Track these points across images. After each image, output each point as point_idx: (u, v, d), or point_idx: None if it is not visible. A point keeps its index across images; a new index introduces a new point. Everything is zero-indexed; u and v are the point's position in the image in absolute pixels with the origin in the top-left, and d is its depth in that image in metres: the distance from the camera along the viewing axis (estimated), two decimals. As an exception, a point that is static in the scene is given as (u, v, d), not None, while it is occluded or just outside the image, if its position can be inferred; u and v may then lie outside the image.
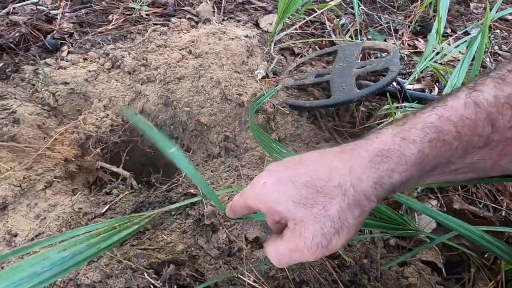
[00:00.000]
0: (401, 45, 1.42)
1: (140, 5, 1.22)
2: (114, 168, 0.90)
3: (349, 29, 1.44)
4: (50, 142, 0.86)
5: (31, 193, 0.75)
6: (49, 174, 0.81)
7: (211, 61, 1.02)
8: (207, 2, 1.38)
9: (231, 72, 0.99)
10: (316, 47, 1.34)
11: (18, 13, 1.17)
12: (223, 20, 1.34)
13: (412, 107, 0.92)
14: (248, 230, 0.72)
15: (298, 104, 0.92)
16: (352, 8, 1.57)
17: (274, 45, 1.23)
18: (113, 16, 1.23)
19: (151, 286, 0.57)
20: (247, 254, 0.68)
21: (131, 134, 0.99)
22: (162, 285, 0.57)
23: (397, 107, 0.90)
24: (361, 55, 0.96)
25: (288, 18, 1.31)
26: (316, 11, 1.43)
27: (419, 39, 1.46)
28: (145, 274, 0.58)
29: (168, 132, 0.99)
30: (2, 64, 0.98)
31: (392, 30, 1.45)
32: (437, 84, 1.15)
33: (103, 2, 1.31)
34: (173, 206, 0.61)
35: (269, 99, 0.93)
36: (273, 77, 1.07)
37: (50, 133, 0.90)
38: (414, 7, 1.58)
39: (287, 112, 0.93)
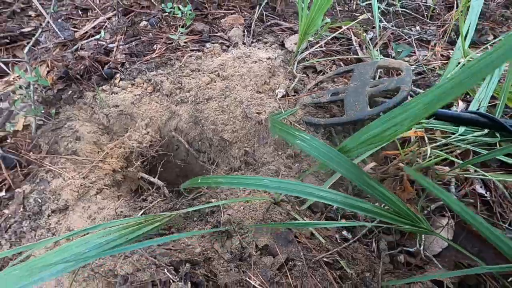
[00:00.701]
0: (433, 56, 1.37)
1: (179, 36, 1.40)
2: (151, 178, 1.04)
3: (376, 43, 1.44)
4: (102, 155, 1.04)
5: (85, 197, 0.92)
6: (100, 182, 0.98)
7: (236, 82, 1.13)
8: (238, 27, 1.51)
9: (253, 92, 1.09)
10: (341, 63, 1.37)
11: (84, 48, 1.42)
12: (252, 42, 1.45)
13: (431, 123, 0.91)
14: (259, 238, 0.79)
15: (313, 121, 0.97)
16: (381, 21, 1.57)
17: (298, 63, 1.30)
18: (157, 45, 1.43)
19: (170, 280, 0.68)
20: (256, 260, 0.75)
21: (166, 148, 1.14)
22: (178, 281, 0.67)
23: (413, 123, 0.90)
24: (377, 73, 0.98)
25: (311, 37, 1.37)
26: (342, 27, 1.46)
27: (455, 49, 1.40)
28: (166, 270, 0.69)
29: (197, 147, 1.11)
30: (70, 91, 1.21)
31: (422, 41, 1.41)
32: (468, 96, 1.10)
33: (150, 33, 1.52)
34: (190, 209, 0.72)
35: (286, 117, 0.99)
36: (293, 95, 1.14)
37: (103, 148, 1.08)
38: (449, 16, 1.52)
39: (303, 129, 0.99)
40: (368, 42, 1.41)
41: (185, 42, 1.45)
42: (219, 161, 1.06)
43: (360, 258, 0.72)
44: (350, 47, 1.45)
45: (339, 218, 0.81)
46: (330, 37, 1.43)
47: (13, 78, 1.25)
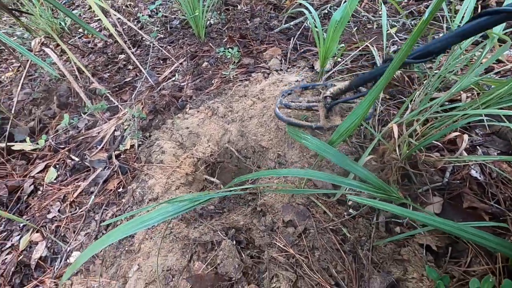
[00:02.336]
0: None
1: (229, 72, 1.80)
2: (212, 179, 1.41)
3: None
4: (178, 163, 1.46)
5: (169, 191, 1.33)
6: (178, 182, 1.39)
7: (271, 102, 1.45)
8: (276, 57, 1.85)
9: (284, 109, 1.39)
10: (364, 76, 1.57)
11: (165, 88, 1.94)
12: (288, 68, 1.77)
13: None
14: (285, 216, 1.06)
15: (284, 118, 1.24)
16: (406, 32, 1.72)
17: (325, 81, 1.55)
18: (214, 80, 1.86)
19: (222, 239, 1.00)
20: (282, 230, 1.02)
21: (223, 157, 1.51)
22: (228, 238, 0.98)
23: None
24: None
25: (335, 56, 1.62)
26: (364, 45, 1.67)
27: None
28: (219, 233, 1.02)
29: (244, 154, 1.45)
30: (157, 120, 1.70)
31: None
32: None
33: (209, 71, 1.97)
34: (231, 189, 1.04)
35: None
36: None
37: (179, 158, 1.50)
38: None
39: (321, 133, 1.24)
40: (391, 55, 1.58)
41: (235, 75, 1.85)
42: (260, 164, 1.38)
43: (360, 228, 0.93)
44: (374, 61, 1.64)
45: (347, 199, 1.03)
46: (352, 54, 1.65)
47: (122, 114, 1.81)
